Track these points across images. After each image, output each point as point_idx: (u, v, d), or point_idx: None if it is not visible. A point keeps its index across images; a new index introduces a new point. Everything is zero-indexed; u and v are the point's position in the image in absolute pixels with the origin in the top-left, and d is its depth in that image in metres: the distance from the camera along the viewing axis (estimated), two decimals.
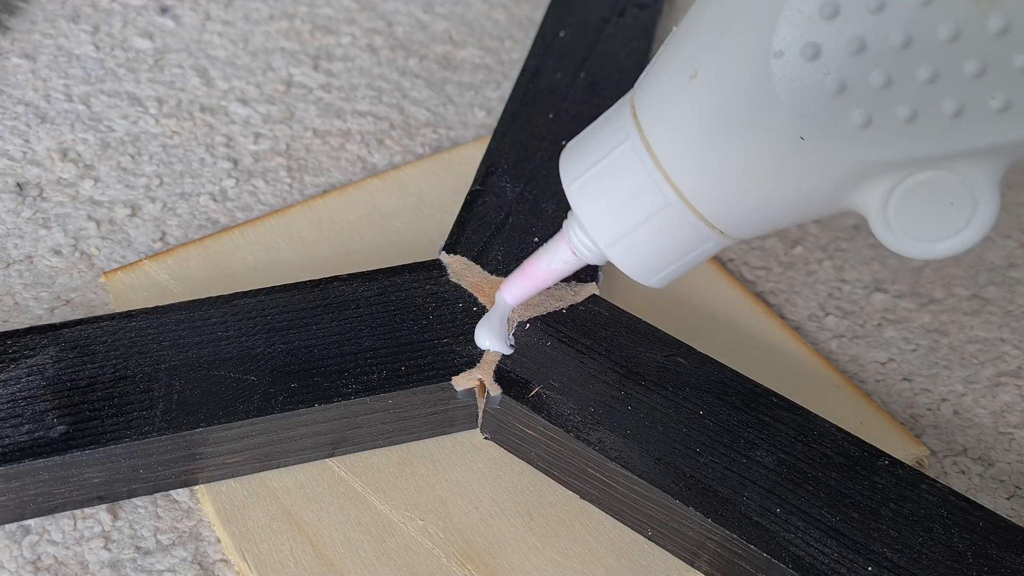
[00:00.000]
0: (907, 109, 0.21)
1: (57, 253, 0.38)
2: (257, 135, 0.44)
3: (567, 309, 0.33)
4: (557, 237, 0.30)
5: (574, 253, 0.29)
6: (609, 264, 0.37)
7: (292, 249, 0.38)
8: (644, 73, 0.26)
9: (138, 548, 0.29)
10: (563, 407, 0.30)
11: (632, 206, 0.26)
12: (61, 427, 0.29)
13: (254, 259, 0.38)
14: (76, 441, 0.28)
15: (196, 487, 0.31)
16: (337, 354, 0.31)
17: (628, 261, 0.27)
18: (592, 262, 0.29)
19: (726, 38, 0.23)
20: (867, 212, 0.24)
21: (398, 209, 0.40)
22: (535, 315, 0.32)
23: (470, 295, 0.33)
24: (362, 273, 0.34)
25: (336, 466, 0.31)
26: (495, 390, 0.31)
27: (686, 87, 0.24)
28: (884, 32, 0.21)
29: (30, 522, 0.30)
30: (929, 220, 0.23)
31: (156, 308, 0.32)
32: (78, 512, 0.30)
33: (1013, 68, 0.20)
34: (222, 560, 0.29)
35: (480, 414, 0.32)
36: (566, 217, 0.29)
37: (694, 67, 0.24)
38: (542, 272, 0.30)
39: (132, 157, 0.42)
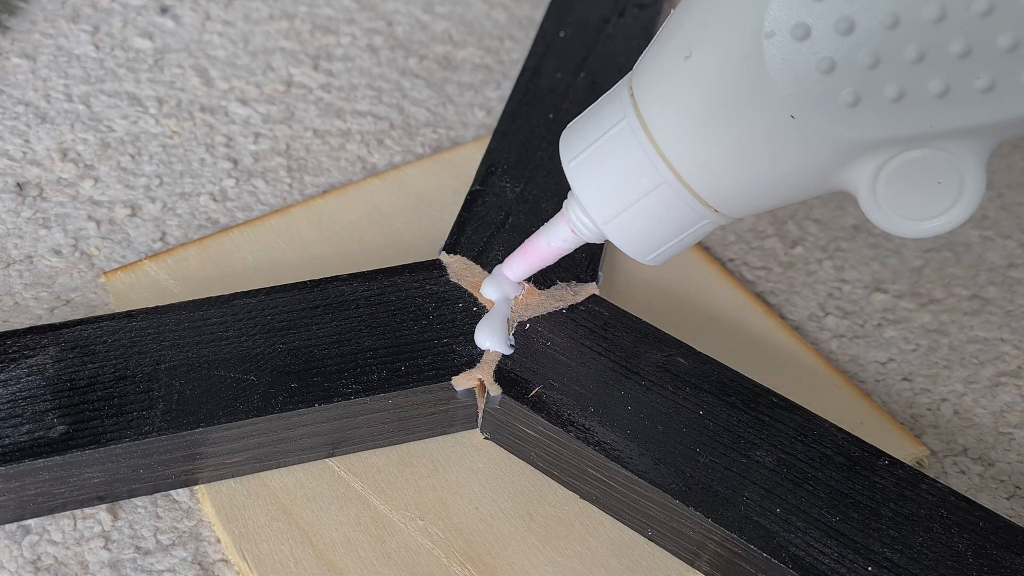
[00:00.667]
0: (895, 89, 0.22)
1: (57, 253, 0.38)
2: (257, 135, 0.44)
3: (567, 309, 0.33)
4: (557, 216, 0.30)
5: (573, 231, 0.30)
6: (610, 265, 0.37)
7: (292, 249, 0.38)
8: (643, 54, 0.27)
9: (138, 548, 0.29)
10: (563, 407, 0.30)
11: (628, 184, 0.27)
12: (61, 427, 0.29)
13: (254, 259, 0.38)
14: (76, 441, 0.28)
15: (196, 487, 0.31)
16: (337, 354, 0.31)
17: (625, 239, 0.28)
18: (590, 240, 0.30)
19: (719, 19, 0.23)
20: (856, 190, 0.24)
21: (398, 209, 0.40)
22: (535, 315, 0.33)
23: (470, 295, 0.33)
24: (362, 273, 0.34)
25: (336, 466, 0.31)
26: (495, 390, 0.31)
27: (681, 67, 0.25)
28: (872, 13, 0.21)
29: (30, 522, 0.30)
30: (917, 199, 0.24)
31: (156, 308, 0.32)
32: (78, 512, 0.30)
33: (997, 49, 0.21)
34: (222, 560, 0.29)
35: (480, 414, 0.32)
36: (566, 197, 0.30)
37: (689, 48, 0.24)
38: (542, 250, 0.31)
39: (132, 157, 0.42)
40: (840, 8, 0.21)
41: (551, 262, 0.31)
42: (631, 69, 0.27)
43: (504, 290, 0.33)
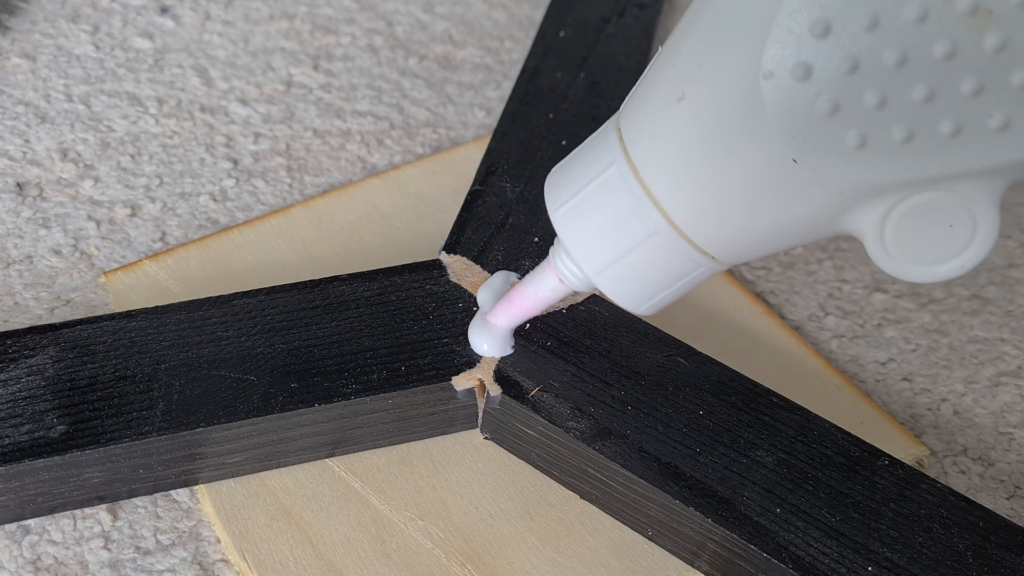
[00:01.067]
0: (903, 130, 0.21)
1: (57, 253, 0.38)
2: (257, 135, 0.44)
3: (567, 309, 0.33)
4: (544, 264, 0.29)
5: (561, 280, 0.29)
6: None
7: (292, 249, 0.38)
8: (630, 95, 0.26)
9: (138, 548, 0.29)
10: (563, 407, 0.30)
11: (620, 233, 0.25)
12: (61, 427, 0.29)
13: (254, 259, 0.38)
14: (76, 441, 0.28)
15: (196, 487, 0.31)
16: (337, 354, 0.31)
17: (617, 289, 0.27)
18: (580, 289, 0.29)
19: (714, 59, 0.22)
20: (863, 236, 0.23)
21: (398, 209, 0.40)
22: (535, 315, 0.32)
23: (470, 295, 0.33)
24: (362, 273, 0.34)
25: (336, 466, 0.31)
26: (495, 390, 0.31)
27: (673, 110, 0.23)
28: (878, 51, 0.20)
29: (30, 522, 0.30)
30: (928, 243, 0.23)
31: (156, 308, 0.32)
32: (78, 512, 0.30)
33: (1012, 86, 0.20)
34: (222, 560, 0.29)
35: (480, 414, 0.32)
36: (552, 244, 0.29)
37: (681, 89, 0.23)
38: (529, 300, 0.30)
39: (132, 157, 0.42)
40: (843, 47, 0.20)
41: (539, 312, 0.30)
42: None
43: (494, 339, 0.31)
